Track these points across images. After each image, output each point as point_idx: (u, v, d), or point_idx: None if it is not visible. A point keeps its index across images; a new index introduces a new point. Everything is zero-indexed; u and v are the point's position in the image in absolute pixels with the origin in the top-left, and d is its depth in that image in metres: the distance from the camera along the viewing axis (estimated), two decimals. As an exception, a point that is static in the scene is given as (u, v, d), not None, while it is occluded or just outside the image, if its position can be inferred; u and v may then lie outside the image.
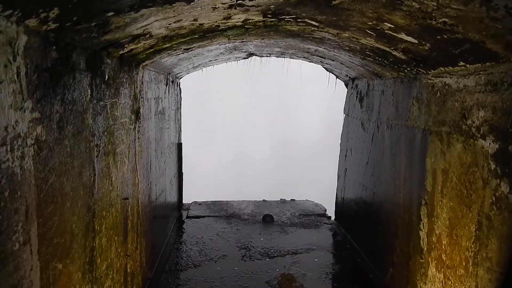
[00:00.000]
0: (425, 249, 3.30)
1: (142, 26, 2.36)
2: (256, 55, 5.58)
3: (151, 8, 2.06)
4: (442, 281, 3.02)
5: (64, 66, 1.93)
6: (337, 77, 6.20)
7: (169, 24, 2.53)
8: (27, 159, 1.58)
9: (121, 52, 2.75)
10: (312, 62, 5.59)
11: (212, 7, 2.33)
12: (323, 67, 5.86)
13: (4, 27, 1.39)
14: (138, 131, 3.60)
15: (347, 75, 5.66)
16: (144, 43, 2.82)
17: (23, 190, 1.55)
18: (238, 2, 2.29)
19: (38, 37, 1.64)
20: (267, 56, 5.73)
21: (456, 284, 2.81)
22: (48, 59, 1.75)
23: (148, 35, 2.63)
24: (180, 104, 6.62)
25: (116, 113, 2.87)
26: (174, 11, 2.22)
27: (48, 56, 1.75)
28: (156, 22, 2.37)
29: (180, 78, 6.41)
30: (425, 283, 3.29)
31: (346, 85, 6.21)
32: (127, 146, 3.20)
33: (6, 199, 1.44)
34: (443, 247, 3.00)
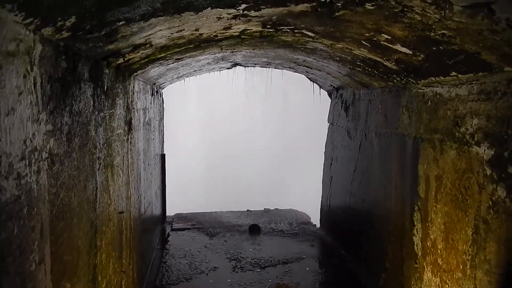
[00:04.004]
0: (419, 254, 3.37)
1: (146, 36, 2.32)
2: (241, 65, 5.60)
3: (160, 18, 2.03)
4: (438, 285, 3.09)
5: (72, 76, 1.87)
6: (320, 87, 6.30)
7: (171, 34, 2.50)
8: (42, 174, 1.51)
9: (118, 61, 2.69)
10: (297, 72, 5.66)
11: (217, 17, 2.33)
12: (307, 77, 5.95)
13: (23, 35, 1.33)
14: (130, 142, 3.51)
15: (331, 85, 5.77)
16: (141, 53, 2.77)
17: (38, 206, 1.48)
18: (244, 12, 2.30)
19: (51, 46, 1.58)
20: (252, 66, 5.76)
21: (454, 287, 2.89)
22: (59, 69, 1.69)
23: (148, 45, 2.59)
24: (163, 115, 6.53)
25: (113, 124, 2.79)
26: (180, 20, 2.20)
27: (59, 66, 1.68)
28: (159, 32, 2.34)
29: (163, 88, 6.33)
30: (420, 287, 3.36)
31: (330, 95, 6.31)
32: (122, 158, 3.12)
33: (25, 216, 1.36)
34: (439, 251, 3.07)
